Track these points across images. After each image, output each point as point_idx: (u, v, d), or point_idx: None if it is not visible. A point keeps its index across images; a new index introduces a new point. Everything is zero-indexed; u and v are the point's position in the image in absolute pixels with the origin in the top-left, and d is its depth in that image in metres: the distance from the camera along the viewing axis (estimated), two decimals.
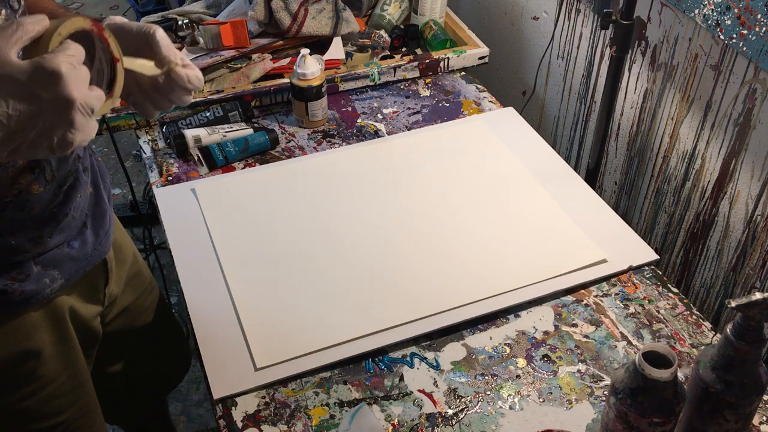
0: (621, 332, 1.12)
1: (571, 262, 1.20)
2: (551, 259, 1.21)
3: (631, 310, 1.15)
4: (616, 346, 1.09)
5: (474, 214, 1.30)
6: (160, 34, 0.78)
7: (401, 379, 1.05)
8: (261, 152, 1.46)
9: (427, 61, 1.67)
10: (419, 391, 1.03)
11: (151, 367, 1.32)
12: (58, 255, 0.95)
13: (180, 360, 1.41)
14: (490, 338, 1.11)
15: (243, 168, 1.43)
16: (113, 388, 1.25)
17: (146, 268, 1.25)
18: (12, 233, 0.87)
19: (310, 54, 1.47)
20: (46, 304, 0.97)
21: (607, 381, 1.05)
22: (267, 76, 1.62)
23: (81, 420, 1.09)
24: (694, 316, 1.14)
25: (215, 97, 1.53)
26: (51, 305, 0.98)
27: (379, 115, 1.58)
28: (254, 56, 1.64)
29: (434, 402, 1.02)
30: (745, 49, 1.19)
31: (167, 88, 0.79)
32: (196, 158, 1.43)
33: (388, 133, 1.52)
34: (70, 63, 0.63)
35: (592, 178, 1.50)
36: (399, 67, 1.65)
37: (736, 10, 1.19)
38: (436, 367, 1.07)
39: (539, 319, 1.13)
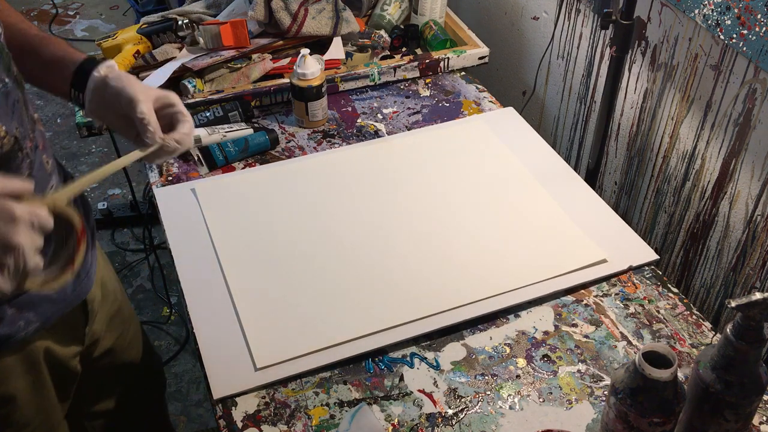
0: (621, 332, 1.12)
1: (571, 262, 1.20)
2: (551, 259, 1.21)
3: (631, 310, 1.15)
4: (616, 346, 1.09)
5: (474, 214, 1.30)
6: (140, 117, 0.85)
7: (401, 379, 1.05)
8: (261, 152, 1.46)
9: (427, 61, 1.67)
10: (419, 391, 1.03)
11: (135, 398, 1.28)
12: (35, 297, 0.92)
13: (158, 383, 1.39)
14: (490, 338, 1.11)
15: (243, 168, 1.43)
16: (100, 424, 1.23)
17: (126, 300, 1.21)
18: None
19: (310, 54, 1.47)
20: (20, 348, 0.94)
21: (607, 381, 1.05)
22: (267, 76, 1.62)
23: None
24: (694, 316, 1.14)
25: (215, 97, 1.53)
26: (26, 349, 0.95)
27: (379, 115, 1.58)
28: (254, 56, 1.64)
29: (434, 402, 1.02)
30: (745, 49, 1.19)
31: (162, 153, 0.89)
32: (196, 158, 1.43)
33: (388, 133, 1.52)
34: (31, 219, 0.68)
35: (592, 178, 1.50)
36: (399, 67, 1.65)
37: (736, 10, 1.19)
38: (436, 367, 1.06)
39: (539, 319, 1.13)
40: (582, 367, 1.07)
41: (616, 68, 1.35)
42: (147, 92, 0.87)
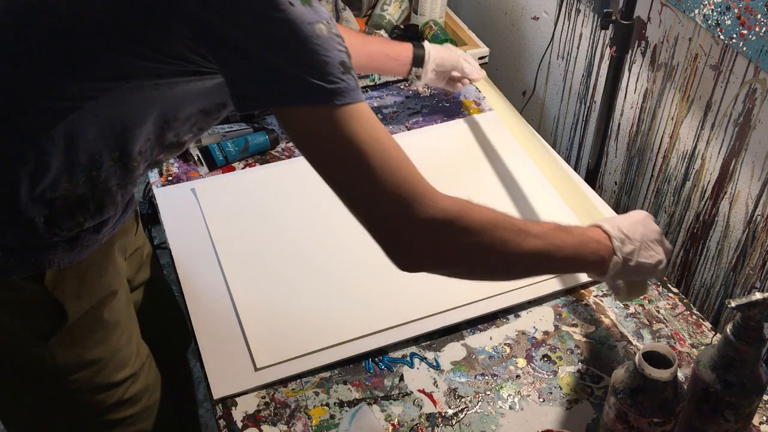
0: (621, 332, 1.12)
1: None
2: None
3: (631, 310, 1.15)
4: (616, 346, 1.09)
5: None
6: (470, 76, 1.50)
7: (401, 379, 1.05)
8: (261, 152, 1.46)
9: None
10: (419, 391, 1.03)
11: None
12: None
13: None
14: (490, 338, 1.11)
15: (243, 168, 1.43)
16: None
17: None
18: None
19: None
20: (107, 249, 1.02)
21: (607, 381, 1.05)
22: None
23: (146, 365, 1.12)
24: (694, 316, 1.14)
25: None
26: (107, 246, 1.02)
27: (379, 115, 1.57)
28: None
29: (434, 402, 1.02)
30: (745, 49, 1.19)
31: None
32: (196, 158, 1.43)
33: None
34: None
35: (592, 178, 1.50)
36: None
37: (736, 10, 1.19)
38: (436, 367, 1.06)
39: (539, 319, 1.13)
40: (582, 367, 1.07)
41: (616, 68, 1.35)
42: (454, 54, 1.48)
